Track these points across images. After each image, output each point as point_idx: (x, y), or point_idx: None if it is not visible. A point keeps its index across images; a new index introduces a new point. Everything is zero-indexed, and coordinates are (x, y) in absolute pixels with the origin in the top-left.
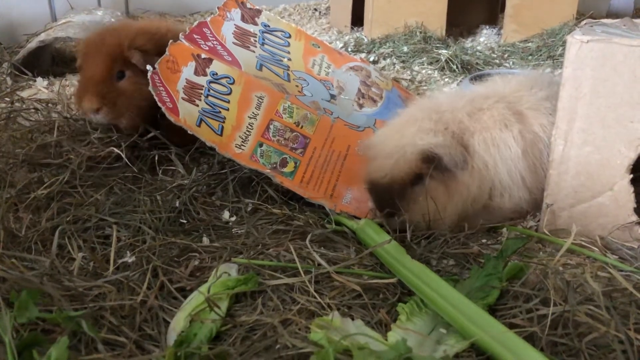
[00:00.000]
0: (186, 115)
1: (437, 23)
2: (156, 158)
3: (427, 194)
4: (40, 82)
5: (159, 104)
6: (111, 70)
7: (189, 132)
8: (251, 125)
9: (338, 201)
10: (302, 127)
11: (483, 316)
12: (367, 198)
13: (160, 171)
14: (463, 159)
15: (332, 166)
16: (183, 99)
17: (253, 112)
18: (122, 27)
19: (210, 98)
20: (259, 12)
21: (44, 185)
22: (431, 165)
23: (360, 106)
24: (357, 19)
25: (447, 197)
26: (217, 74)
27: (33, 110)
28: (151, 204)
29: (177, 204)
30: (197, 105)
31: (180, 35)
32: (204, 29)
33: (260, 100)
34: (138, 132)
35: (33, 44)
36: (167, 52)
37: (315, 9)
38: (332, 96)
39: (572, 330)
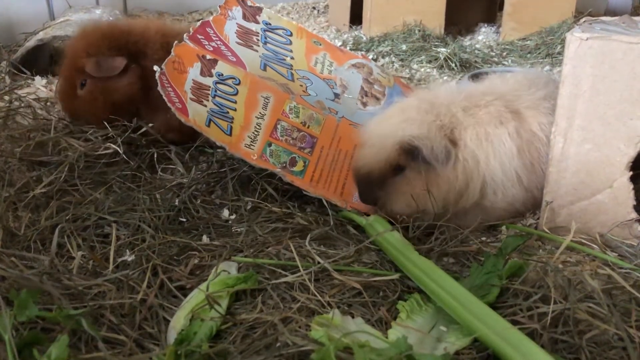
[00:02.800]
0: (195, 115)
1: (435, 21)
2: (155, 156)
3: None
4: (39, 81)
5: (169, 105)
6: (73, 81)
7: (197, 130)
8: (259, 126)
9: (348, 199)
10: (308, 126)
11: (488, 312)
12: None
13: (160, 169)
14: (446, 152)
15: (340, 165)
16: (191, 99)
17: (260, 112)
18: (87, 34)
19: (217, 99)
20: (259, 9)
21: (43, 184)
22: (410, 156)
23: (364, 105)
24: (356, 17)
25: (426, 190)
26: (222, 74)
27: (31, 109)
28: (150, 202)
29: (177, 203)
30: (205, 106)
31: (184, 35)
32: (207, 29)
33: (266, 100)
34: (131, 123)
35: (31, 43)
36: (172, 53)
37: (314, 8)
38: (336, 95)
39: (572, 327)
